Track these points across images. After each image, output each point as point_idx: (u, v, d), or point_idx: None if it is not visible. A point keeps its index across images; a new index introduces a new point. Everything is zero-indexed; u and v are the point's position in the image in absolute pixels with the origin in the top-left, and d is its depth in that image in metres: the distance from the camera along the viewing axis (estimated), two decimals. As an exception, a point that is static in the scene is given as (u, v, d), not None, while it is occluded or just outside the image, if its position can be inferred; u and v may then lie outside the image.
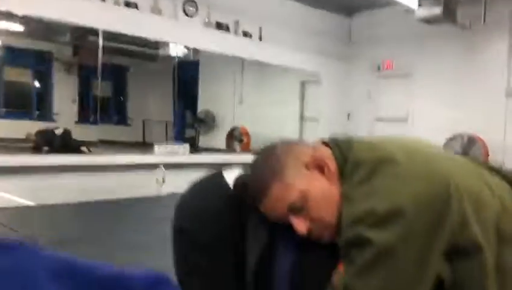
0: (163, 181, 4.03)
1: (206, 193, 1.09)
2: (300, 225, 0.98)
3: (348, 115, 8.46)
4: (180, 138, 8.83)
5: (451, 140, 6.87)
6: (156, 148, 6.09)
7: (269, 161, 1.02)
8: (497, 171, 1.06)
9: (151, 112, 10.56)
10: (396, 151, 0.96)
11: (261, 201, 1.00)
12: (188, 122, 9.92)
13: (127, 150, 7.40)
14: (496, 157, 6.80)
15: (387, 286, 0.86)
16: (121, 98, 11.30)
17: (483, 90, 7.01)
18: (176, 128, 9.23)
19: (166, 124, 9.72)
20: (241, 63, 8.64)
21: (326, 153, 1.02)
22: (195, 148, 8.59)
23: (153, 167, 5.05)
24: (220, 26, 6.45)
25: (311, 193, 0.97)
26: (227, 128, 8.68)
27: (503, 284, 0.90)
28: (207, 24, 6.27)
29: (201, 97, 9.92)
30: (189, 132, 9.77)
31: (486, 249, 0.89)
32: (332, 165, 1.00)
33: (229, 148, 8.21)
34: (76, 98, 10.35)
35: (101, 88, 8.27)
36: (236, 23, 6.62)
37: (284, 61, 7.39)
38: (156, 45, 7.49)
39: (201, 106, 9.82)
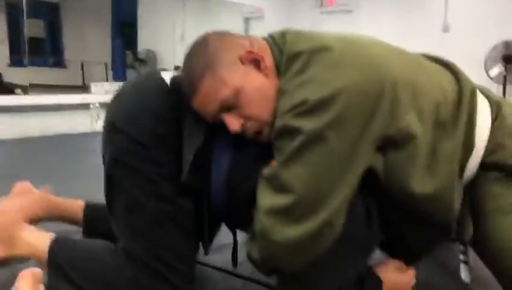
0: (98, 117, 3.89)
1: (143, 90, 1.04)
2: (233, 123, 0.93)
3: (292, 53, 8.42)
4: (120, 79, 8.52)
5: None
6: (93, 86, 5.84)
7: (201, 54, 0.95)
8: (438, 60, 1.06)
9: (89, 52, 10.04)
10: (332, 40, 0.92)
11: (192, 97, 0.94)
12: (129, 62, 9.54)
13: (63, 92, 7.04)
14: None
15: (315, 174, 0.84)
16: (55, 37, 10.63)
17: (422, 26, 7.15)
18: (116, 69, 8.87)
19: (106, 65, 9.32)
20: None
21: (263, 47, 0.96)
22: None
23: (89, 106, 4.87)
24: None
25: (245, 89, 0.92)
26: (169, 68, 8.43)
27: (436, 168, 0.91)
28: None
29: (142, 36, 9.52)
30: (130, 74, 9.43)
31: (419, 137, 0.88)
32: (269, 59, 0.95)
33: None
34: (6, 39, 9.63)
35: (32, 27, 7.72)
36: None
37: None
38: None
39: (142, 45, 9.44)
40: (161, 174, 0.96)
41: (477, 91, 1.02)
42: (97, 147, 2.96)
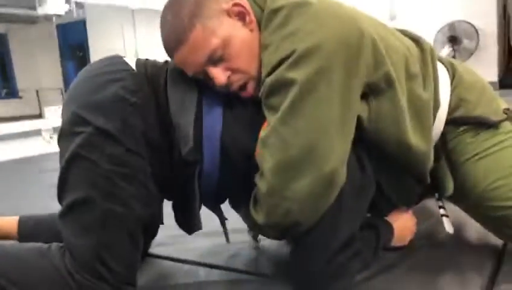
0: (51, 138, 3.80)
1: (107, 76, 0.95)
2: (220, 75, 0.92)
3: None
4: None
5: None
6: (47, 112, 5.70)
7: (185, 4, 0.92)
8: (398, 30, 1.11)
9: (43, 80, 9.85)
10: None
11: (178, 49, 0.92)
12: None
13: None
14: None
15: (314, 126, 0.85)
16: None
17: (370, 14, 7.32)
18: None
19: (62, 91, 9.16)
20: (131, 14, 8.22)
21: (246, 3, 0.96)
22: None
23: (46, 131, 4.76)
24: (97, -27, 6.03)
25: (233, 41, 0.91)
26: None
27: (415, 112, 0.96)
28: (82, -28, 5.83)
29: (94, 56, 9.40)
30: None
31: (397, 84, 0.93)
32: (253, 16, 0.95)
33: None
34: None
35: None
36: (116, -31, 6.23)
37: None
38: (33, 3, 6.89)
39: (96, 66, 9.33)
40: (121, 173, 0.91)
41: (435, 53, 1.09)
42: (50, 166, 2.86)
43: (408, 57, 0.98)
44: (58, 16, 6.96)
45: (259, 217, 0.90)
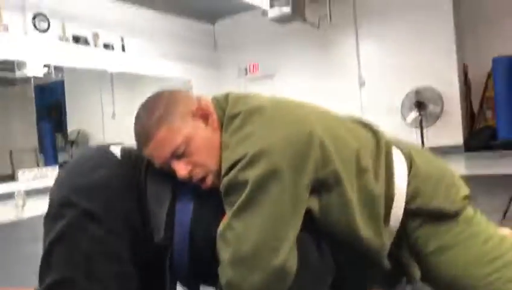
0: (24, 205, 3.73)
1: (94, 162, 1.05)
2: (182, 169, 1.02)
3: (224, 119, 8.63)
4: (53, 163, 8.25)
5: (317, 130, 7.36)
6: (20, 173, 5.64)
7: (157, 107, 1.05)
8: (359, 121, 1.21)
9: (17, 140, 9.72)
10: (265, 102, 1.06)
11: (147, 145, 1.03)
12: (60, 145, 9.32)
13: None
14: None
15: (265, 221, 0.92)
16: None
17: (340, 83, 7.66)
18: (46, 153, 8.61)
19: (36, 151, 9.03)
20: (109, 77, 8.38)
21: (209, 105, 1.10)
22: (70, 171, 8.11)
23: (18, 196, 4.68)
24: (77, 39, 6.20)
25: (194, 139, 1.04)
26: (102, 146, 8.31)
27: (367, 206, 1.02)
28: (62, 38, 5.99)
29: (72, 117, 9.40)
30: (62, 156, 9.19)
31: (345, 180, 1.00)
32: (215, 116, 1.08)
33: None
34: None
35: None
36: (96, 35, 6.43)
37: (151, 71, 7.34)
38: (12, 66, 6.96)
39: (72, 126, 9.31)
40: (101, 252, 0.96)
41: (392, 144, 1.15)
42: (24, 235, 2.80)
43: (359, 151, 1.06)
44: (37, 77, 7.05)
45: None
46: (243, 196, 0.93)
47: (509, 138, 6.58)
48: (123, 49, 6.81)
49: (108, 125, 8.69)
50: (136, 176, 1.04)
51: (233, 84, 8.68)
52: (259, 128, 0.99)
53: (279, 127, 0.99)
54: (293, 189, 0.95)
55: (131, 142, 1.16)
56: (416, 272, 1.12)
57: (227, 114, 1.06)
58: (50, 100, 9.69)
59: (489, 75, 7.17)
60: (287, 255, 0.92)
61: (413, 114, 6.83)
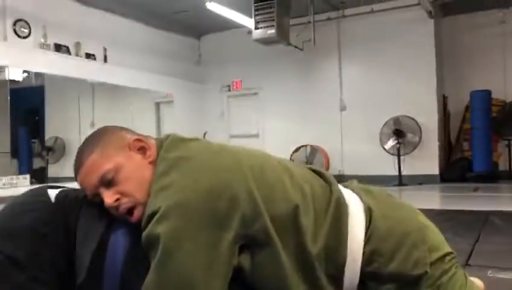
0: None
1: (22, 207, 1.02)
2: (109, 197, 0.99)
3: (204, 134, 8.60)
4: (27, 169, 8.09)
5: (296, 151, 7.39)
6: (-11, 181, 5.51)
7: (95, 138, 1.05)
8: (316, 171, 1.11)
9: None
10: (197, 151, 1.00)
11: (78, 172, 1.02)
12: (36, 151, 9.15)
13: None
14: (335, 164, 7.49)
15: (179, 281, 0.86)
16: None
17: (322, 105, 7.71)
18: (21, 159, 8.45)
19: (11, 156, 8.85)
20: (91, 87, 8.30)
21: (152, 143, 1.07)
22: (43, 180, 7.96)
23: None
24: (59, 48, 6.12)
25: (125, 167, 1.01)
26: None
27: (302, 266, 0.93)
28: (43, 46, 5.91)
29: (50, 124, 9.26)
30: (38, 162, 9.03)
31: (276, 239, 0.91)
32: (153, 151, 1.05)
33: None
34: None
35: None
36: (78, 44, 6.36)
37: (133, 83, 7.28)
38: (-10, 69, 6.84)
39: (50, 133, 9.16)
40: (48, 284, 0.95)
41: (347, 198, 1.03)
42: None
43: (299, 208, 0.95)
44: (15, 81, 6.94)
45: None
46: (159, 250, 0.87)
47: (482, 171, 6.68)
48: (105, 59, 6.74)
49: (86, 133, 8.58)
50: (66, 219, 1.02)
51: (216, 99, 8.67)
52: (181, 178, 0.93)
53: (202, 179, 0.92)
54: (210, 247, 0.88)
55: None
56: None
57: (160, 155, 1.02)
58: (29, 106, 9.56)
59: (467, 108, 7.30)
60: None
61: (392, 142, 6.90)
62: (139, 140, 1.06)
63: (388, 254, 0.97)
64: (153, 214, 0.90)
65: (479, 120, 6.81)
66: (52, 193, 1.06)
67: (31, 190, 1.10)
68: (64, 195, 1.06)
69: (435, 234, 1.07)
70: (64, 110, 9.02)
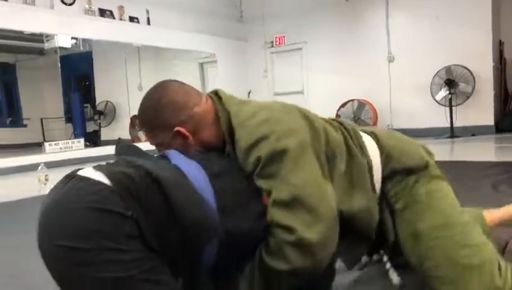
0: (46, 180, 3.81)
1: (74, 205, 0.90)
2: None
3: (249, 93, 8.61)
4: (81, 133, 8.46)
5: (342, 106, 7.26)
6: (47, 146, 5.81)
7: (169, 88, 1.14)
8: (334, 120, 1.29)
9: (48, 109, 9.98)
10: (262, 103, 1.17)
11: (145, 132, 1.13)
12: (89, 116, 9.52)
13: (19, 152, 6.95)
14: (383, 117, 7.32)
15: (311, 175, 1.04)
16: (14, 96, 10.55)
17: (368, 58, 7.46)
18: (75, 124, 8.82)
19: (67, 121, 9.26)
20: (136, 50, 8.43)
21: (208, 106, 1.16)
22: (96, 142, 8.30)
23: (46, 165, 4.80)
24: (103, 12, 6.21)
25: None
26: (126, 118, 8.45)
27: (351, 178, 1.15)
28: (88, 11, 6.02)
29: (99, 89, 9.56)
30: (91, 126, 9.41)
31: (338, 159, 1.14)
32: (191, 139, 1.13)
33: (134, 138, 8.02)
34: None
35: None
36: (121, 8, 6.43)
37: (176, 44, 7.32)
38: (41, 37, 7.08)
39: (100, 97, 9.47)
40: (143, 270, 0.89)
41: (357, 129, 1.29)
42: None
43: (346, 136, 1.21)
44: (64, 48, 7.16)
45: (284, 264, 0.99)
46: (289, 158, 1.01)
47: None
48: (148, 22, 6.78)
49: (134, 96, 8.78)
50: (140, 194, 0.92)
51: (259, 57, 8.58)
52: (277, 113, 1.09)
53: (291, 114, 1.10)
54: (317, 156, 1.07)
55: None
56: (391, 235, 1.21)
57: (233, 106, 1.13)
58: (79, 72, 9.87)
59: (526, 53, 6.85)
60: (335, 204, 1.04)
61: (443, 92, 6.62)
62: (179, 132, 1.12)
63: (397, 156, 1.24)
64: (267, 136, 1.03)
65: (539, 66, 6.38)
66: (97, 176, 0.93)
67: (72, 184, 0.94)
68: (114, 175, 0.94)
69: (419, 146, 1.34)
70: (112, 75, 9.26)
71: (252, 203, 1.02)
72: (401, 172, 1.23)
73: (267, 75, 8.60)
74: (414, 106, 7.11)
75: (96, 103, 9.47)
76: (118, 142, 1.15)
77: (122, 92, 9.05)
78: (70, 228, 0.88)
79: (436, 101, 6.71)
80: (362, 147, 1.22)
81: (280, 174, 1.01)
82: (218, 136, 1.14)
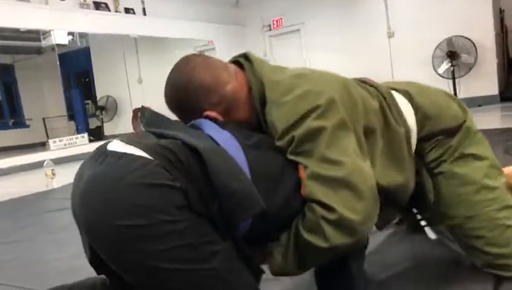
0: (54, 174, 3.80)
1: (122, 182, 0.86)
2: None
3: (249, 78, 8.55)
4: (84, 129, 8.45)
5: (344, 86, 7.20)
6: (51, 143, 5.80)
7: (195, 70, 1.07)
8: (363, 81, 1.26)
9: (50, 108, 9.97)
10: (298, 70, 1.14)
11: (181, 109, 1.08)
12: (90, 112, 9.51)
13: (24, 152, 6.94)
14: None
15: (350, 149, 1.01)
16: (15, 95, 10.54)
17: (368, 34, 7.39)
18: (77, 120, 8.81)
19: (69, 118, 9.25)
20: (134, 43, 8.37)
21: (241, 80, 1.12)
22: (101, 138, 8.29)
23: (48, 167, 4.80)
24: (98, 5, 6.16)
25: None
26: (128, 111, 8.44)
27: (389, 152, 1.13)
28: (83, 5, 5.96)
29: (99, 84, 9.53)
30: (94, 122, 9.40)
31: (377, 130, 1.12)
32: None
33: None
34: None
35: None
36: (116, 0, 6.37)
37: (173, 33, 7.26)
38: (37, 35, 7.03)
39: (101, 93, 9.44)
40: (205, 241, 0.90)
41: (391, 91, 1.25)
42: (53, 206, 2.84)
43: (383, 106, 1.17)
44: (62, 45, 7.11)
45: (323, 242, 0.96)
46: (325, 136, 0.98)
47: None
48: (144, 12, 6.72)
49: (135, 89, 8.75)
50: (183, 167, 0.91)
51: (257, 41, 8.51)
52: (312, 85, 1.04)
53: (329, 83, 1.06)
54: (355, 128, 1.05)
55: (159, 104, 1.14)
56: (431, 195, 1.21)
57: (268, 82, 1.08)
58: (77, 69, 9.83)
59: (527, 20, 6.76)
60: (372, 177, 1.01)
61: (445, 65, 6.55)
62: (208, 115, 1.08)
63: (434, 117, 1.23)
64: (306, 114, 0.99)
65: (541, 31, 6.31)
66: (135, 150, 0.90)
67: (118, 165, 0.90)
68: (152, 148, 0.90)
69: (454, 99, 1.35)
70: (112, 69, 9.21)
71: (286, 175, 0.99)
72: (439, 134, 1.23)
73: (267, 58, 8.54)
74: (416, 81, 7.02)
75: (97, 99, 9.45)
76: (143, 113, 1.06)
77: (123, 86, 9.03)
78: (123, 206, 0.85)
79: (439, 74, 6.64)
80: (400, 114, 1.19)
81: (317, 151, 0.98)
82: (252, 112, 1.09)
